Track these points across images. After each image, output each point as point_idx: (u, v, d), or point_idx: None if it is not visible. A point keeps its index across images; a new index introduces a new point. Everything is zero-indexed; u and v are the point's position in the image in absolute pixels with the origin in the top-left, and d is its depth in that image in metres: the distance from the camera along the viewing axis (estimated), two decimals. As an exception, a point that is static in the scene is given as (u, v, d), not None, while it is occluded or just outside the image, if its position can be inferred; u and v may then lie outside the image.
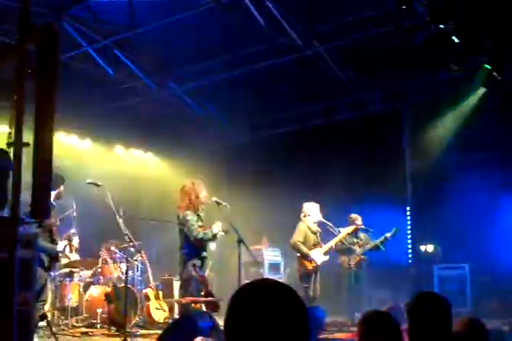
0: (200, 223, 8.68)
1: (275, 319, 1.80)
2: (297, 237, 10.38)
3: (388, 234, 11.04)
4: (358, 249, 11.08)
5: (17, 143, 4.03)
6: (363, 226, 11.19)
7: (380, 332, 3.62)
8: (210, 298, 8.46)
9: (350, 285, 11.09)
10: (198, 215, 8.75)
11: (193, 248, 8.64)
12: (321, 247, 10.43)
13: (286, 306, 1.84)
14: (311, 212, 10.58)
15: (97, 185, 8.62)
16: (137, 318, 10.32)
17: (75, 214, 9.77)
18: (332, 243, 10.55)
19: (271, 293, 1.86)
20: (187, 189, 8.91)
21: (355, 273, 11.06)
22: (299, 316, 1.84)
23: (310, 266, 10.27)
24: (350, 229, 10.89)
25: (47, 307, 9.70)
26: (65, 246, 8.84)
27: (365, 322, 3.70)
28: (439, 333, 3.45)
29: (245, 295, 1.89)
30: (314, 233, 10.51)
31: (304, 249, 10.28)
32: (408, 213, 13.75)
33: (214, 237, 8.63)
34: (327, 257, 10.46)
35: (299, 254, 10.42)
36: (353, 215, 11.27)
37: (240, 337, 1.81)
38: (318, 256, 10.32)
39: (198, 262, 8.58)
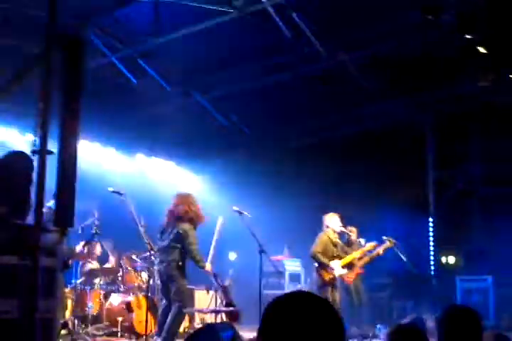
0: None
1: (312, 332, 1.78)
2: (317, 248, 10.30)
3: (381, 248, 10.67)
4: (357, 262, 10.77)
5: (42, 150, 4.05)
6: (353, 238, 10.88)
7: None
8: (230, 308, 8.44)
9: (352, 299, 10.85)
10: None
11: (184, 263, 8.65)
12: (340, 260, 10.33)
13: (324, 319, 1.82)
14: (331, 223, 10.49)
15: (120, 194, 8.62)
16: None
17: (96, 222, 9.77)
18: (351, 257, 10.40)
19: (308, 306, 1.85)
20: (189, 198, 8.88)
21: (354, 286, 10.81)
22: (336, 330, 1.83)
23: (327, 277, 10.15)
24: (371, 245, 10.67)
25: (67, 315, 9.75)
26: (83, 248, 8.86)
27: (395, 334, 3.63)
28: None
29: (282, 307, 1.87)
30: (335, 245, 10.39)
31: (324, 259, 10.18)
32: (431, 224, 13.64)
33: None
34: (345, 270, 10.30)
35: (317, 265, 10.34)
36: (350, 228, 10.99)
37: None
38: (337, 267, 10.22)
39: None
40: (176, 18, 10.36)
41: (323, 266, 10.21)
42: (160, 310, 8.87)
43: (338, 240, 10.47)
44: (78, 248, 8.18)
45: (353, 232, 10.92)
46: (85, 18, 10.06)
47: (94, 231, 8.51)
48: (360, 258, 10.79)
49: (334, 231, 10.45)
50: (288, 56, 11.43)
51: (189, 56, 11.43)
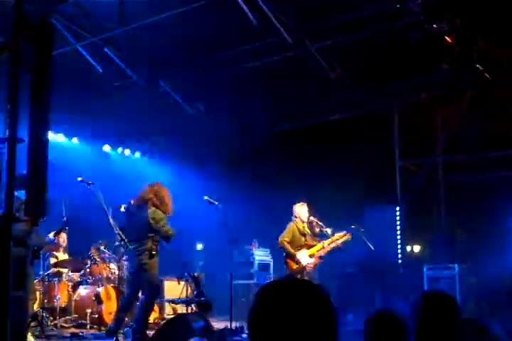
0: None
1: (304, 318, 1.74)
2: (284, 236, 10.30)
3: (347, 237, 10.55)
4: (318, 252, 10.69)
5: (11, 139, 3.95)
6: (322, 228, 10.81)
7: (389, 332, 3.55)
8: (202, 298, 8.41)
9: None
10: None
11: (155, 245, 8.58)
12: (308, 249, 10.32)
13: (317, 305, 1.78)
14: (300, 213, 10.48)
15: (88, 184, 8.50)
16: (127, 318, 10.22)
17: (63, 213, 9.63)
18: (319, 247, 10.35)
19: (300, 292, 1.81)
20: (157, 189, 8.85)
21: (309, 275, 10.74)
22: (329, 316, 1.78)
23: (294, 266, 10.15)
24: (339, 234, 10.58)
25: (35, 307, 9.62)
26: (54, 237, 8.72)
27: (373, 322, 3.63)
28: (448, 334, 3.38)
29: (274, 294, 1.82)
30: (303, 234, 10.39)
31: (290, 249, 10.17)
32: (398, 213, 13.70)
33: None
34: (313, 259, 10.27)
35: (284, 254, 10.33)
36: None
37: (267, 337, 1.74)
38: (304, 257, 10.20)
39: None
40: (141, 5, 10.25)
41: (290, 256, 10.20)
42: (123, 301, 8.79)
43: (307, 229, 10.47)
44: (51, 236, 8.03)
45: (320, 223, 10.90)
46: (50, 5, 9.88)
47: (65, 220, 8.34)
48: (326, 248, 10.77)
49: (303, 221, 10.44)
50: (255, 44, 11.37)
51: (155, 44, 11.34)
